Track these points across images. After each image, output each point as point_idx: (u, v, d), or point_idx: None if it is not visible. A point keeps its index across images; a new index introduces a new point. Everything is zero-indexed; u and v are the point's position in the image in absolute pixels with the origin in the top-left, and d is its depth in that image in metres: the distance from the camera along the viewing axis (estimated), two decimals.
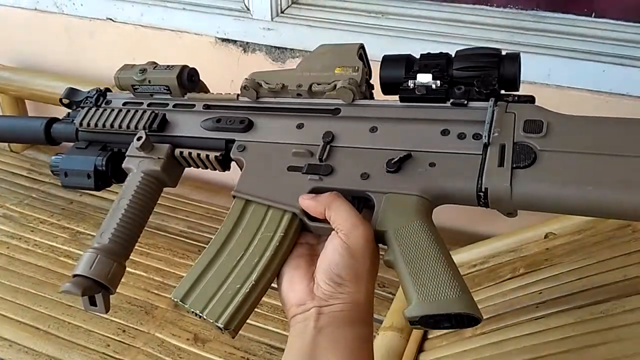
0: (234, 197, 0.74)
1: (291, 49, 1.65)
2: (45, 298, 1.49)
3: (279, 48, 1.67)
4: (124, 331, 1.40)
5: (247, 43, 1.71)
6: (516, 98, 0.68)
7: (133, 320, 1.42)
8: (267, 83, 0.79)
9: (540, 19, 1.41)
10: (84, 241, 1.69)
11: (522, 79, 0.69)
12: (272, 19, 1.65)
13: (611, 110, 1.32)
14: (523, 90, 0.70)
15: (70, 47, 1.98)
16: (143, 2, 1.81)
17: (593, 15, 1.38)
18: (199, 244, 1.69)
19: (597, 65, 1.33)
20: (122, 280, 1.50)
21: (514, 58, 0.68)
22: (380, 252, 0.68)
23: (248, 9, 1.68)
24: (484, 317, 1.23)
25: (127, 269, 1.56)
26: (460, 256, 1.46)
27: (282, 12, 1.65)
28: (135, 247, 1.62)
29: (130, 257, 1.59)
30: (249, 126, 0.78)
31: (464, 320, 0.60)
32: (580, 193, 0.58)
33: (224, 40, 1.74)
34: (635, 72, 1.30)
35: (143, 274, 1.58)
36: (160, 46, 1.82)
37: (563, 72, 1.36)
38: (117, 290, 1.50)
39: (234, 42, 1.73)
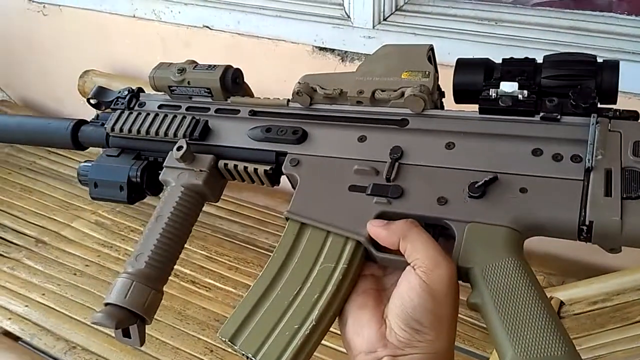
0: (286, 219, 0.66)
1: None
2: None
3: None
4: (211, 351, 1.35)
5: (346, 52, 1.64)
6: (617, 113, 0.58)
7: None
8: (322, 88, 0.69)
9: None
10: None
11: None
12: (373, 26, 1.57)
13: None
14: (620, 104, 0.59)
15: (165, 55, 1.97)
16: (240, 10, 1.78)
17: None
18: None
19: None
20: (210, 295, 1.52)
21: (614, 66, 0.59)
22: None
23: (348, 17, 1.61)
24: None
25: (216, 283, 1.56)
26: (577, 291, 1.29)
27: (384, 20, 1.57)
28: (224, 261, 1.63)
29: (219, 272, 1.59)
30: (303, 137, 0.69)
31: None
32: None
33: (321, 49, 1.67)
34: None
35: (232, 289, 1.53)
36: (256, 54, 1.79)
37: None
38: (205, 307, 1.50)
39: (332, 51, 1.66)
